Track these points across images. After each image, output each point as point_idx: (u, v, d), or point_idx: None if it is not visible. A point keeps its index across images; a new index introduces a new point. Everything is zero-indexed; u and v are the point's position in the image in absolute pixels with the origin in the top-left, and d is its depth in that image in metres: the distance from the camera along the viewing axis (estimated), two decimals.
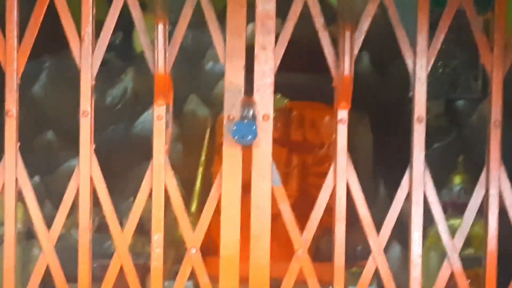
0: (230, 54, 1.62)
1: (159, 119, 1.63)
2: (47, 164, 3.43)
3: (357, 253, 2.50)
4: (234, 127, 1.57)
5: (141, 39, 1.64)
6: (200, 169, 3.42)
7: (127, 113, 3.62)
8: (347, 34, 1.54)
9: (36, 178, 2.99)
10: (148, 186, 1.64)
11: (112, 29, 1.65)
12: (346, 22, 1.56)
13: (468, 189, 2.83)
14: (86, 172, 1.62)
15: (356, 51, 1.62)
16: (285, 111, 3.27)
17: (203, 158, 3.35)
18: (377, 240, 1.64)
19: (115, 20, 1.64)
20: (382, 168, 3.60)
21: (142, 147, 2.77)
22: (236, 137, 1.56)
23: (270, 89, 1.64)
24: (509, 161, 1.70)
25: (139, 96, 3.64)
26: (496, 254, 1.65)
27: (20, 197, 1.70)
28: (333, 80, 1.66)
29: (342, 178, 1.64)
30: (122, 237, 1.63)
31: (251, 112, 1.61)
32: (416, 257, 1.65)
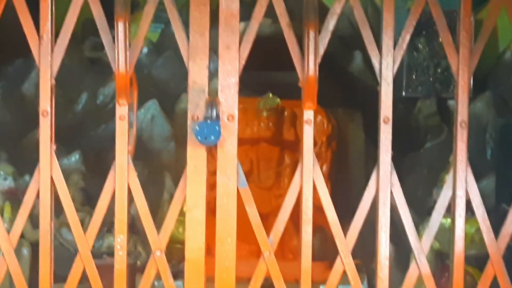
0: (194, 53, 1.58)
1: (121, 119, 1.59)
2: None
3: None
4: (197, 128, 1.53)
5: (102, 38, 1.58)
6: None
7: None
8: (311, 33, 1.50)
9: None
10: (111, 186, 1.60)
11: (72, 27, 1.59)
12: (310, 21, 1.51)
13: None
14: (47, 173, 1.59)
15: (321, 51, 1.58)
16: (277, 111, 3.26)
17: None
18: (343, 242, 1.61)
19: (75, 18, 1.59)
20: (374, 164, 3.60)
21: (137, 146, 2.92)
22: (199, 137, 1.52)
23: (235, 88, 1.61)
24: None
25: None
26: (463, 254, 1.64)
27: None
28: (300, 79, 1.61)
29: (309, 179, 1.61)
30: (84, 239, 1.60)
31: (214, 112, 1.56)
32: (383, 258, 1.62)
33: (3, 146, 3.18)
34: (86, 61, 3.97)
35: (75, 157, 3.36)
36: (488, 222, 1.63)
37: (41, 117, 1.59)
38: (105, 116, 3.67)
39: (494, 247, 1.62)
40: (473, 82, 1.66)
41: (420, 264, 1.64)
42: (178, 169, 3.29)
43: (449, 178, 1.65)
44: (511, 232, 1.63)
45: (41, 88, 1.60)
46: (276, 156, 3.47)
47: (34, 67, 3.64)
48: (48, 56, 1.60)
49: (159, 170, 3.30)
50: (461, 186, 1.63)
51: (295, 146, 3.50)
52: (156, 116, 3.66)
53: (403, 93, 3.59)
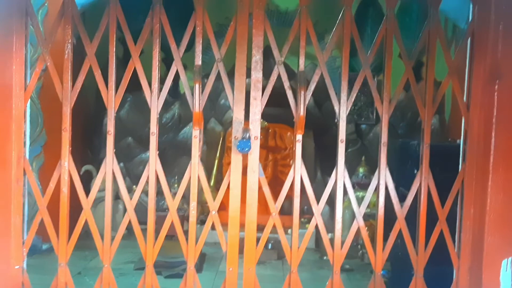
0: (237, 103, 2.58)
1: (195, 137, 2.61)
2: (127, 156, 5.29)
3: (305, 210, 3.59)
4: (238, 144, 2.55)
5: (185, 91, 2.62)
6: (216, 161, 5.34)
7: (175, 128, 5.66)
8: (302, 92, 2.53)
9: (121, 164, 4.49)
10: (188, 175, 2.62)
11: (168, 88, 2.61)
12: (302, 86, 2.55)
13: (367, 176, 4.23)
14: (153, 165, 2.63)
15: (307, 101, 2.60)
16: (265, 129, 5.28)
17: (218, 154, 5.12)
18: (316, 207, 2.65)
19: (170, 82, 2.62)
20: (318, 163, 5.64)
21: (183, 148, 5.23)
22: (239, 149, 2.55)
23: (258, 122, 2.59)
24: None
25: (182, 119, 5.83)
26: (383, 215, 2.64)
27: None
28: (294, 117, 2.61)
29: (298, 172, 2.63)
30: (172, 202, 2.64)
31: (247, 135, 2.57)
32: (339, 216, 2.66)
33: None
34: None
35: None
36: (397, 198, 2.64)
37: (150, 136, 2.59)
38: (167, 130, 5.59)
39: (400, 212, 2.64)
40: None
41: (359, 221, 2.68)
42: (208, 161, 5.13)
43: (376, 173, 2.67)
44: (409, 205, 2.66)
45: (151, 119, 2.58)
46: (264, 155, 5.33)
47: (127, 101, 5.49)
48: (155, 102, 2.58)
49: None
50: (382, 178, 2.64)
51: (275, 149, 5.59)
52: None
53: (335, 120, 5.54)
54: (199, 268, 2.97)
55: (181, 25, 2.66)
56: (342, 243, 2.71)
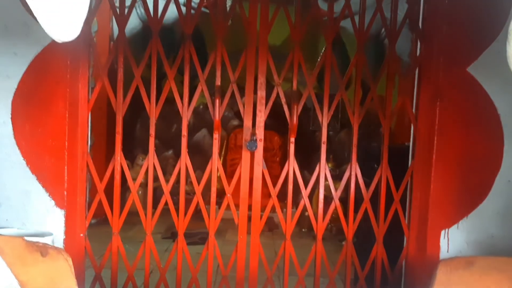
0: (246, 114, 2.72)
1: (215, 139, 2.73)
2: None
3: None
4: (247, 144, 2.69)
5: (208, 105, 2.78)
6: (222, 158, 5.57)
7: (190, 133, 5.27)
8: (295, 107, 2.69)
9: None
10: (210, 168, 2.75)
11: (195, 102, 2.74)
12: (294, 102, 2.70)
13: (334, 170, 4.56)
14: (183, 159, 2.78)
15: (298, 112, 2.75)
16: None
17: (223, 152, 5.23)
18: (304, 191, 2.80)
19: (197, 97, 2.79)
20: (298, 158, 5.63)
21: (197, 148, 5.45)
22: (248, 148, 2.69)
23: (262, 128, 2.72)
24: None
25: (195, 126, 5.68)
26: (353, 200, 2.81)
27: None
28: (289, 125, 2.77)
29: (292, 166, 2.78)
30: (198, 187, 2.74)
31: (254, 137, 2.71)
32: (321, 197, 2.80)
33: None
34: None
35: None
36: (363, 184, 2.80)
37: (182, 138, 2.73)
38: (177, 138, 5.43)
39: (366, 195, 2.78)
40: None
41: (336, 201, 2.85)
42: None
43: (348, 166, 2.90)
44: (373, 189, 2.85)
45: (183, 125, 2.72)
46: None
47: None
48: (186, 111, 2.71)
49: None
50: (353, 171, 2.80)
51: (266, 150, 5.58)
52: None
53: (311, 127, 5.92)
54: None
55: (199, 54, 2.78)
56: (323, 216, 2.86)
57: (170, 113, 3.68)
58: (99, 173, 2.70)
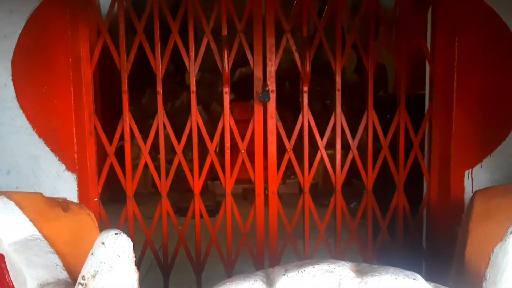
0: (256, 64, 2.61)
1: (225, 93, 2.65)
2: None
3: None
4: (260, 96, 2.58)
5: (216, 58, 2.69)
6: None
7: (184, 110, 5.23)
8: (307, 53, 2.59)
9: None
10: (221, 123, 2.71)
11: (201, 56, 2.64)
12: (306, 47, 2.58)
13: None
14: (195, 117, 2.67)
15: (311, 59, 2.63)
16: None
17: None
18: (320, 142, 2.71)
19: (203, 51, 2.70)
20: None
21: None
22: (261, 99, 2.57)
23: (273, 78, 2.60)
24: None
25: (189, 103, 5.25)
26: (371, 147, 2.75)
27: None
28: (300, 73, 2.67)
29: (306, 117, 2.68)
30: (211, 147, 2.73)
31: (267, 88, 2.60)
32: (338, 149, 2.75)
33: None
34: None
35: None
36: (382, 132, 2.74)
37: (192, 94, 2.68)
38: (179, 112, 5.87)
39: (384, 142, 2.71)
40: None
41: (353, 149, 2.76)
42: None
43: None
44: (391, 137, 2.82)
45: (191, 79, 2.61)
46: None
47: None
48: (193, 65, 2.62)
49: None
50: (370, 116, 2.79)
51: None
52: None
53: None
54: (217, 210, 3.02)
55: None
56: (342, 167, 2.79)
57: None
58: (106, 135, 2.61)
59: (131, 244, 1.40)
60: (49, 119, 2.41)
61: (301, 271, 1.38)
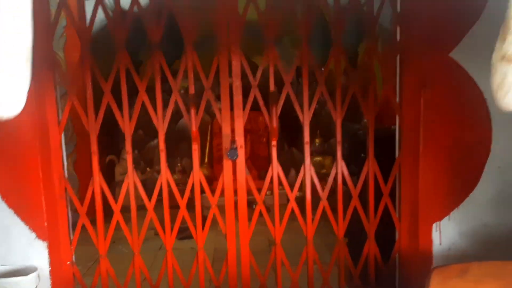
0: (224, 120, 2.64)
1: (194, 150, 2.71)
2: (140, 144, 5.73)
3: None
4: (228, 153, 2.61)
5: (184, 115, 2.71)
6: (208, 144, 5.69)
7: (173, 120, 5.05)
8: (274, 109, 2.64)
9: (136, 151, 4.58)
10: (192, 180, 2.75)
11: (169, 117, 2.70)
12: (273, 103, 2.63)
13: (323, 144, 4.67)
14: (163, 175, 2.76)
15: (278, 114, 2.68)
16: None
17: (208, 138, 5.78)
18: (291, 195, 2.76)
19: (171, 111, 2.71)
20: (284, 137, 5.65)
21: (182, 133, 5.70)
22: (229, 157, 2.61)
23: (242, 135, 2.64)
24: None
25: (178, 113, 5.43)
26: (341, 195, 2.79)
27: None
28: (269, 128, 2.73)
29: (275, 169, 2.71)
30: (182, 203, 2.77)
31: (234, 145, 2.64)
32: (308, 198, 2.81)
33: None
34: None
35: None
36: (351, 182, 2.75)
37: (161, 152, 2.71)
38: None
39: (354, 191, 2.78)
40: None
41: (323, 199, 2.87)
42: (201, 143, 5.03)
43: (318, 140, 2.87)
44: (360, 186, 2.85)
45: (160, 138, 2.72)
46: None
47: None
48: (162, 124, 2.71)
49: None
50: (339, 166, 2.81)
51: (251, 131, 5.69)
52: None
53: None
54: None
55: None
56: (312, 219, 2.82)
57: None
58: (85, 173, 2.64)
59: None
60: (17, 190, 2.45)
61: None
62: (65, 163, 2.71)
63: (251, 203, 2.81)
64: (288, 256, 2.81)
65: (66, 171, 2.69)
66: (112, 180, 5.01)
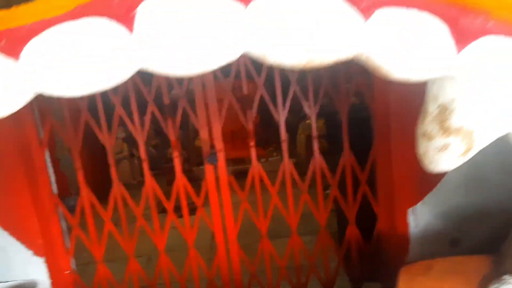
0: (201, 127, 2.70)
1: (175, 157, 2.79)
2: None
3: None
4: (208, 159, 2.71)
5: (162, 125, 2.78)
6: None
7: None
8: (249, 113, 2.75)
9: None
10: (176, 186, 2.88)
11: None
12: (247, 108, 2.73)
13: None
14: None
15: (253, 118, 2.76)
16: None
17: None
18: (274, 198, 2.95)
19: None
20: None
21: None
22: (210, 162, 2.71)
23: (220, 137, 2.72)
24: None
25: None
26: (321, 187, 2.99)
27: None
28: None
29: (257, 173, 2.92)
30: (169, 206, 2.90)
31: (214, 150, 2.72)
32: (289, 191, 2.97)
33: None
34: None
35: None
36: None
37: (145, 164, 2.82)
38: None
39: (332, 181, 2.98)
40: None
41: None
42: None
43: None
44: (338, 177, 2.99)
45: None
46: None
47: None
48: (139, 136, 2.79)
49: None
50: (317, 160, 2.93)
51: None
52: None
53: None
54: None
55: None
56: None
57: None
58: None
59: None
60: (9, 211, 2.57)
61: None
62: (53, 180, 2.79)
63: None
64: (275, 246, 2.97)
65: (55, 187, 2.78)
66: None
